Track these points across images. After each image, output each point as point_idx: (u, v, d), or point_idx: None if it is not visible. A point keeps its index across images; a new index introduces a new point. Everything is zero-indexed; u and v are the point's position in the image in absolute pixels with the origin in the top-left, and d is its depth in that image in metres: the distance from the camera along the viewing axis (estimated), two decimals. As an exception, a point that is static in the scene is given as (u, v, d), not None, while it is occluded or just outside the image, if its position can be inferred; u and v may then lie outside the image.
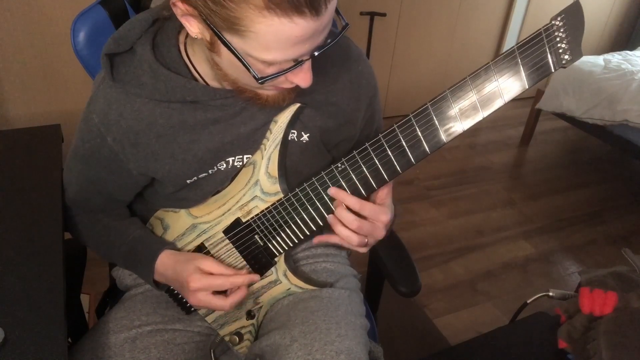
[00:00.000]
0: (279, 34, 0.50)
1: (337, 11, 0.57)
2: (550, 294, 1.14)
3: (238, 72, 0.59)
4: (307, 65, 0.58)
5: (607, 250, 2.11)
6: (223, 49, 0.56)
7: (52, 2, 1.84)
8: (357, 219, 0.67)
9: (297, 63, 0.56)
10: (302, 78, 0.59)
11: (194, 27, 0.56)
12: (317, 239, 0.73)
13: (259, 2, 0.48)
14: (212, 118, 0.68)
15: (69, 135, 0.77)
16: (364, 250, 0.72)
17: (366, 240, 0.70)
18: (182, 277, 0.72)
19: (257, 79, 0.56)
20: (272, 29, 0.50)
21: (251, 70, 0.55)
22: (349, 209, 0.68)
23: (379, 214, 0.68)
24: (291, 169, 0.73)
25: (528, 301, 1.19)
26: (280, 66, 0.56)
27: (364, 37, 2.62)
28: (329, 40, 0.58)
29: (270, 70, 0.56)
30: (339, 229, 0.68)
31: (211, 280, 0.72)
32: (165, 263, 0.75)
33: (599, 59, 2.64)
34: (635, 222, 2.31)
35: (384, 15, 2.54)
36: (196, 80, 0.67)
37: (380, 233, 0.71)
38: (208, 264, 0.73)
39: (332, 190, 0.67)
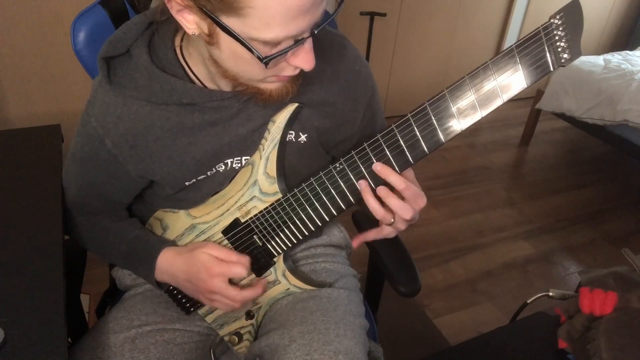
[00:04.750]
0: (278, 7, 0.50)
1: None
2: (550, 294, 1.14)
3: (239, 65, 0.58)
4: (308, 44, 0.57)
5: (607, 250, 2.10)
6: (223, 39, 0.55)
7: (52, 2, 1.84)
8: (408, 206, 0.64)
9: (298, 42, 0.56)
10: (304, 59, 0.58)
11: (190, 22, 0.56)
12: (356, 243, 0.73)
13: None
14: (210, 120, 0.68)
15: (69, 135, 0.78)
16: (393, 234, 0.70)
17: (392, 221, 0.67)
18: (195, 266, 0.72)
19: (261, 59, 0.55)
20: (270, 0, 0.49)
21: (255, 51, 0.54)
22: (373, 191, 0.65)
23: (418, 197, 0.66)
24: (290, 170, 0.73)
25: (528, 301, 1.19)
26: (282, 45, 0.55)
27: (364, 37, 2.62)
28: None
29: (273, 52, 0.55)
30: (376, 207, 0.65)
31: (229, 267, 0.72)
32: (168, 258, 0.75)
33: (599, 59, 2.64)
34: (635, 222, 2.31)
35: (384, 15, 2.54)
36: (193, 82, 0.67)
37: (414, 218, 0.68)
38: (216, 250, 0.73)
39: (378, 166, 0.64)
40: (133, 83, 0.66)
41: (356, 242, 0.74)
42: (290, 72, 0.61)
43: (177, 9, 0.55)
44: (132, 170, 0.72)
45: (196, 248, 0.73)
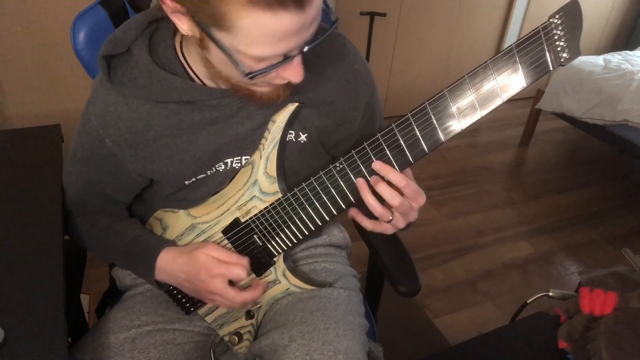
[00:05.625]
0: (264, 29, 0.50)
1: (325, 4, 0.56)
2: (550, 294, 1.14)
3: (229, 69, 0.59)
4: (297, 60, 0.58)
5: (607, 250, 2.10)
6: (212, 46, 0.55)
7: (52, 2, 1.84)
8: (399, 195, 0.65)
9: (287, 58, 0.56)
10: (293, 73, 0.59)
11: (183, 24, 0.56)
12: (352, 212, 0.71)
13: None
14: (209, 118, 0.68)
15: (69, 135, 0.78)
16: (391, 230, 0.70)
17: (391, 218, 0.67)
18: (195, 266, 0.72)
19: (245, 75, 0.55)
20: (256, 23, 0.50)
21: (239, 65, 0.55)
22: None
23: (418, 195, 0.66)
24: (290, 170, 0.73)
25: (528, 301, 1.19)
26: (270, 61, 0.55)
27: (364, 37, 2.62)
28: (319, 37, 0.57)
29: (260, 66, 0.56)
30: (374, 204, 0.65)
31: (229, 268, 0.71)
32: (168, 259, 0.75)
33: (599, 59, 2.64)
34: (635, 222, 2.31)
35: (384, 15, 2.54)
36: (192, 80, 0.67)
37: (414, 215, 0.69)
38: (216, 252, 0.72)
39: (378, 165, 0.64)
40: (133, 81, 0.66)
41: (353, 212, 0.71)
42: (279, 82, 0.61)
43: (170, 11, 0.55)
44: (132, 169, 0.72)
45: (196, 249, 0.73)
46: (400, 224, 0.69)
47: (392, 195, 0.64)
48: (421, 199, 0.67)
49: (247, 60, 0.55)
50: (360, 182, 0.66)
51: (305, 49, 0.57)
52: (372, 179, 0.66)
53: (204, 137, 0.69)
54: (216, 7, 0.49)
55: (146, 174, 0.72)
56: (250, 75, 0.56)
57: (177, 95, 0.65)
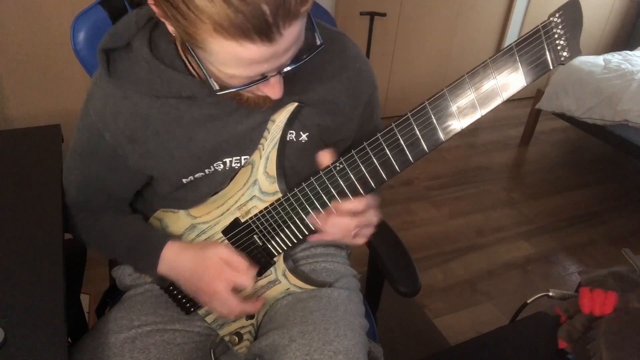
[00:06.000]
0: (232, 55, 0.51)
1: (313, 28, 0.57)
2: (550, 294, 1.14)
3: None
4: (275, 80, 0.58)
5: (607, 250, 2.10)
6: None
7: (52, 2, 1.84)
8: (354, 218, 0.68)
9: (263, 78, 0.56)
10: (271, 92, 0.59)
11: (169, 26, 0.56)
12: (313, 238, 0.73)
13: (208, 25, 0.48)
14: (208, 114, 0.68)
15: (69, 135, 0.78)
16: (361, 241, 0.73)
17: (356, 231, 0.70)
18: (203, 264, 0.72)
19: (215, 92, 0.56)
20: (224, 49, 0.50)
21: (210, 80, 0.56)
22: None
23: (369, 203, 0.69)
24: (290, 169, 0.73)
25: (528, 301, 1.19)
26: (244, 80, 0.56)
27: (364, 37, 2.62)
28: (304, 56, 0.57)
29: (234, 82, 0.56)
30: (333, 233, 0.70)
31: (237, 275, 0.71)
32: (174, 250, 0.74)
33: (599, 59, 2.64)
34: (635, 222, 2.31)
35: (384, 15, 2.54)
36: (192, 76, 0.67)
37: (375, 219, 0.71)
38: (228, 255, 0.72)
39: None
40: (133, 76, 0.66)
41: (312, 239, 0.74)
42: (260, 93, 0.62)
43: (157, 14, 0.55)
44: (132, 164, 0.72)
45: (207, 246, 0.73)
46: (368, 232, 0.72)
47: (348, 223, 0.68)
48: (372, 202, 0.69)
49: (221, 74, 0.55)
50: (312, 219, 0.70)
51: (286, 69, 0.57)
52: (325, 215, 0.69)
53: (202, 133, 0.69)
54: (188, 28, 0.50)
55: (145, 169, 0.72)
56: (220, 93, 0.57)
57: (176, 90, 0.65)
